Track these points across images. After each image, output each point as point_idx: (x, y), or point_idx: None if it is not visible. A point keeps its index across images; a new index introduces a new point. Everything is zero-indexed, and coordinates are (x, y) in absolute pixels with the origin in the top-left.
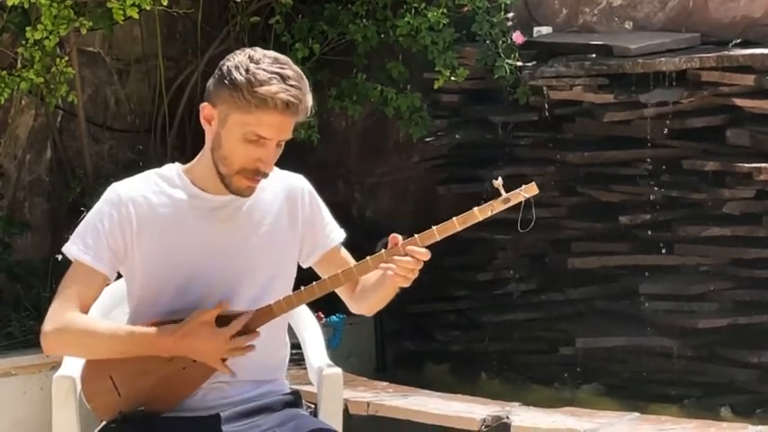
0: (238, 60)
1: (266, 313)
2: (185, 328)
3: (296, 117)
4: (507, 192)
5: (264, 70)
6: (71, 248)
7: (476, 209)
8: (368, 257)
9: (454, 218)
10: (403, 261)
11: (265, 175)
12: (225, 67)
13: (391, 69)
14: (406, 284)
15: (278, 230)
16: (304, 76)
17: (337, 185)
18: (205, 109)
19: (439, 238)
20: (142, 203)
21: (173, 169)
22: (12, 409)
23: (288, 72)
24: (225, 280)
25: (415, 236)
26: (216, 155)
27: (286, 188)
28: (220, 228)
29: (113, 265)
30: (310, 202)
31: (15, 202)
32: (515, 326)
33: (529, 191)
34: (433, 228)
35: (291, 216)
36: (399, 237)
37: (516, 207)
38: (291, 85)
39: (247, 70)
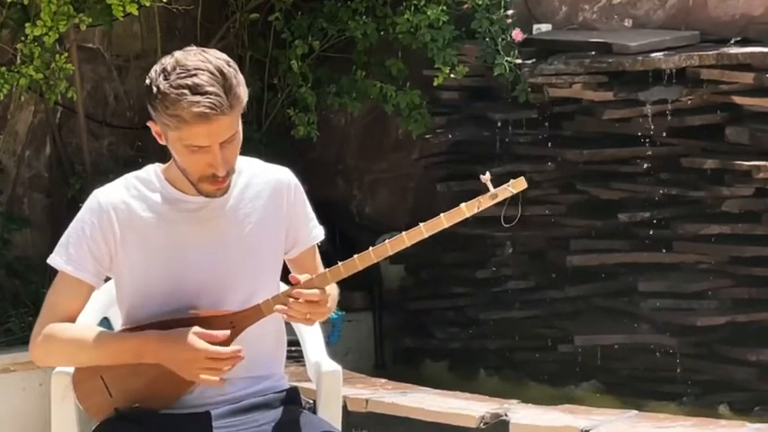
0: (154, 76)
1: (255, 312)
2: (168, 337)
3: (226, 116)
4: (495, 187)
5: (172, 86)
6: (55, 259)
7: (463, 205)
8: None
9: (441, 214)
10: (296, 305)
11: (228, 175)
12: (146, 85)
13: (391, 66)
14: (310, 324)
15: (264, 227)
16: (226, 68)
17: (336, 182)
18: (152, 126)
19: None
20: (123, 209)
21: (151, 171)
22: (10, 405)
23: (199, 79)
24: (214, 280)
25: (314, 276)
26: (178, 165)
27: (271, 183)
28: (203, 228)
29: (99, 273)
30: (296, 196)
31: (14, 198)
32: (514, 323)
33: (517, 186)
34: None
35: (277, 210)
36: (300, 277)
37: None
38: (204, 92)
39: (159, 89)
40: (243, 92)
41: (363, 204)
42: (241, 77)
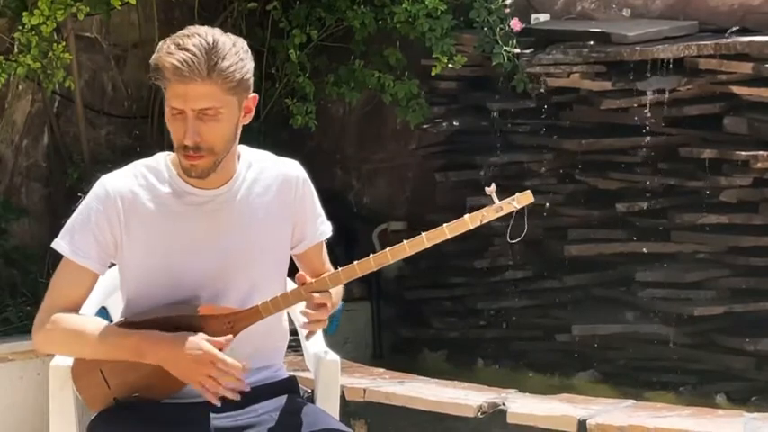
0: None
1: (253, 314)
2: (171, 338)
3: (201, 82)
4: (501, 199)
5: (166, 42)
6: (60, 244)
7: (466, 216)
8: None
9: (444, 225)
10: (312, 314)
11: (200, 151)
12: None
13: (389, 56)
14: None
15: (270, 223)
16: (224, 41)
17: (335, 172)
18: None
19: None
20: (130, 198)
21: (161, 160)
22: (8, 394)
23: (189, 41)
24: (217, 274)
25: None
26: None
27: (279, 177)
28: (209, 222)
29: (103, 261)
30: (304, 191)
31: (12, 188)
32: (512, 313)
33: (522, 200)
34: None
35: (284, 205)
36: (307, 277)
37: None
38: (184, 48)
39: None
40: (232, 70)
41: (361, 194)
42: (240, 60)
